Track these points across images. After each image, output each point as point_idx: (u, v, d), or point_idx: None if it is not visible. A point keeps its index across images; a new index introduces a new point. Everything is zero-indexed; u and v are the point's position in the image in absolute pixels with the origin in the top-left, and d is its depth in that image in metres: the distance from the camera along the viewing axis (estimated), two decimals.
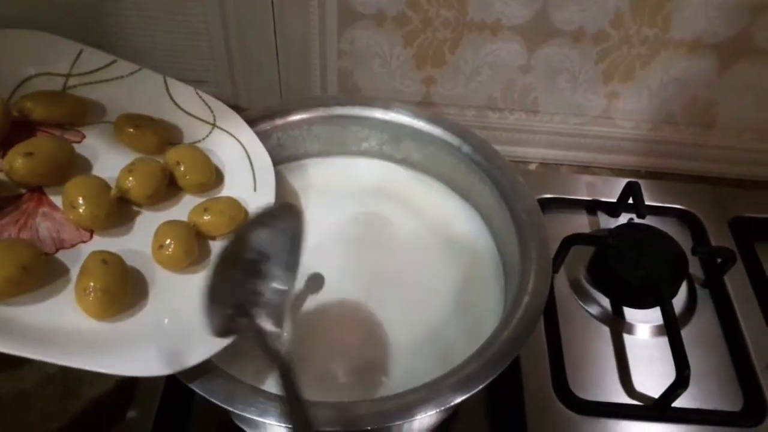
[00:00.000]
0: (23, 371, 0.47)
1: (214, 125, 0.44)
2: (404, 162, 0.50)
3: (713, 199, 0.60)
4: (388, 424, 0.32)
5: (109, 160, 0.40)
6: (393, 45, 0.57)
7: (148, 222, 0.39)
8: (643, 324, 0.51)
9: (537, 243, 0.40)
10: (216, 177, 0.42)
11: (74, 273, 0.34)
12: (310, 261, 0.43)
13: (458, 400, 0.33)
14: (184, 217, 0.39)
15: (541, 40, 0.56)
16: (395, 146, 0.49)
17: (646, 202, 0.56)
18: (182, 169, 0.41)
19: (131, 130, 0.41)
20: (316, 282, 0.39)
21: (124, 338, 0.32)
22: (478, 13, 0.55)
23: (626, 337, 0.51)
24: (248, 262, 0.29)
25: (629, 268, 0.52)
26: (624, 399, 0.47)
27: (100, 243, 0.36)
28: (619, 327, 0.51)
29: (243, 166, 0.43)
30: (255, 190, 0.42)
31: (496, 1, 0.53)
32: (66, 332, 0.31)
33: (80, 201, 0.35)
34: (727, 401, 0.47)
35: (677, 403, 0.46)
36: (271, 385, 0.36)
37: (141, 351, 0.32)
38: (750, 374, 0.48)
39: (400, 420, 0.32)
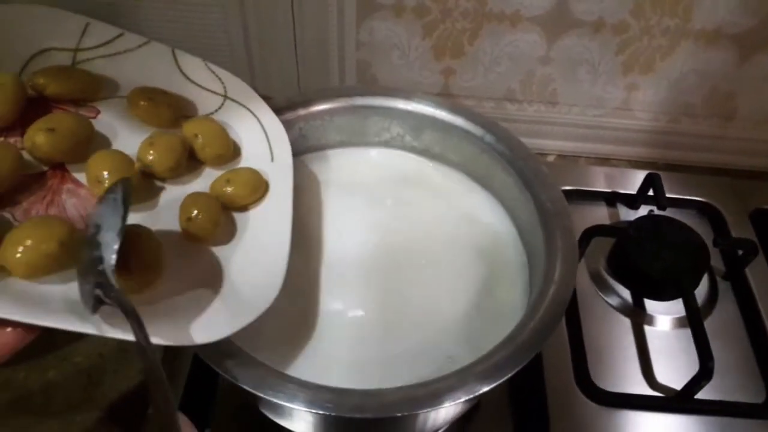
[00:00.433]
0: (47, 360, 0.47)
1: (225, 97, 0.44)
2: (426, 152, 0.50)
3: (733, 191, 0.60)
4: (417, 411, 0.32)
5: (126, 135, 0.40)
6: (412, 36, 0.57)
7: (171, 196, 0.38)
8: (664, 316, 0.51)
9: (562, 232, 0.40)
10: (233, 148, 0.42)
11: None
12: (332, 247, 0.43)
13: (486, 388, 0.32)
14: (206, 190, 0.39)
15: (560, 30, 0.56)
16: (417, 136, 0.49)
17: (666, 195, 0.56)
18: (200, 141, 0.40)
19: (145, 103, 0.40)
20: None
21: (158, 310, 0.32)
22: (498, 4, 0.54)
23: (647, 328, 0.51)
24: (90, 236, 0.30)
25: (650, 259, 0.51)
26: (646, 390, 0.47)
27: (128, 218, 0.36)
28: (639, 318, 0.51)
29: (258, 137, 0.43)
30: (272, 160, 0.42)
31: None
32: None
33: (105, 175, 0.35)
34: (749, 393, 0.47)
35: (699, 395, 0.45)
36: (298, 371, 0.36)
37: (171, 322, 0.32)
38: None
39: (429, 407, 0.32)
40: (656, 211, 0.57)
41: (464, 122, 0.47)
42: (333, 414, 0.31)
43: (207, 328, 0.32)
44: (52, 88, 0.38)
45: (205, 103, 0.43)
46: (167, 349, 0.47)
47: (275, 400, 0.32)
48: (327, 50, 0.58)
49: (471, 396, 0.32)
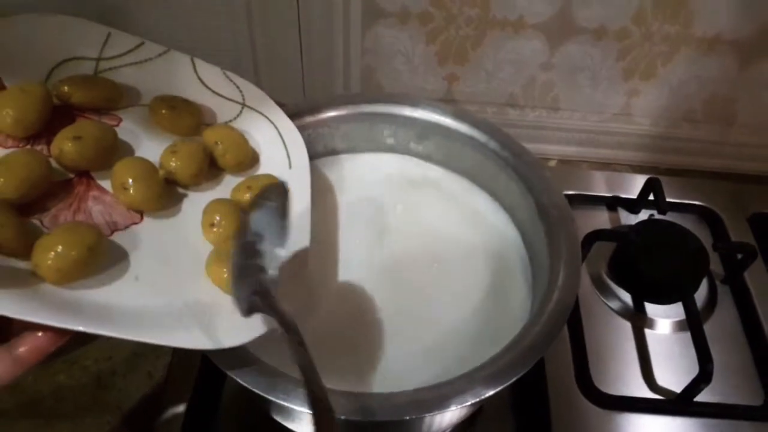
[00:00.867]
0: (57, 364, 0.48)
1: (243, 104, 0.45)
2: (430, 158, 0.50)
3: (733, 196, 0.61)
4: (424, 414, 0.32)
5: (149, 143, 0.40)
6: (416, 42, 0.58)
7: (193, 202, 0.39)
8: (664, 319, 0.52)
9: (566, 237, 0.40)
10: (252, 156, 0.43)
11: (135, 255, 0.35)
12: (346, 252, 0.44)
13: (492, 391, 0.33)
14: (227, 196, 0.40)
15: (563, 37, 0.57)
16: (422, 142, 0.50)
17: (666, 199, 0.57)
18: (221, 148, 0.41)
19: (166, 112, 0.41)
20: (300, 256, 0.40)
21: (180, 315, 0.33)
22: (501, 11, 0.55)
23: (647, 332, 0.51)
24: (249, 244, 0.32)
25: (650, 263, 0.52)
26: (646, 393, 0.48)
27: (151, 224, 0.37)
28: (640, 322, 0.52)
29: (276, 144, 0.44)
30: (290, 167, 0.43)
31: None
32: (129, 310, 0.32)
33: (130, 182, 0.36)
34: (748, 396, 0.48)
35: (699, 398, 0.46)
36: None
37: (190, 327, 0.33)
38: None
39: (436, 410, 0.32)
40: (657, 216, 0.57)
41: (468, 128, 0.47)
42: (342, 417, 0.32)
43: (230, 332, 0.33)
44: (77, 96, 0.39)
45: (224, 111, 0.44)
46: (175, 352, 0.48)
47: (285, 404, 0.32)
48: (332, 56, 0.59)
49: (478, 399, 0.33)
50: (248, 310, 0.30)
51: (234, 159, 0.41)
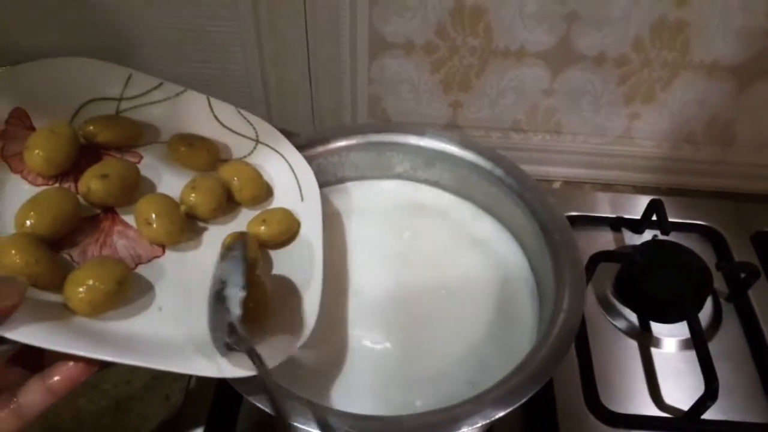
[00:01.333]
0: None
1: (257, 141, 0.47)
2: (437, 184, 0.52)
3: (735, 215, 0.62)
4: None
5: (169, 178, 0.42)
6: (421, 72, 0.60)
7: (212, 235, 0.41)
8: (670, 338, 0.53)
9: (570, 262, 0.42)
10: (267, 190, 0.45)
11: (158, 287, 0.37)
12: (357, 279, 0.46)
13: (502, 413, 0.34)
14: (244, 229, 0.42)
15: (564, 64, 0.59)
16: (428, 169, 0.51)
17: (669, 219, 0.58)
18: (237, 183, 0.43)
19: (185, 149, 0.43)
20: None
21: (201, 344, 0.35)
22: (503, 41, 0.57)
23: (654, 350, 0.52)
24: (217, 292, 0.34)
25: (655, 283, 0.53)
26: (654, 411, 0.48)
27: (173, 257, 0.39)
28: (646, 341, 0.53)
29: (288, 178, 0.46)
30: (302, 200, 0.45)
31: (521, 29, 0.56)
32: (155, 339, 0.34)
33: (153, 217, 0.38)
34: (755, 413, 0.49)
35: (706, 415, 0.47)
36: (332, 401, 0.38)
37: (210, 355, 0.34)
38: None
39: None
40: (660, 236, 0.58)
41: (474, 156, 0.49)
42: None
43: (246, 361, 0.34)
44: (103, 136, 0.41)
45: (239, 147, 0.46)
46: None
47: (303, 427, 0.33)
48: (340, 86, 0.61)
49: (488, 421, 0.34)
50: (226, 349, 0.33)
51: (250, 193, 0.43)
